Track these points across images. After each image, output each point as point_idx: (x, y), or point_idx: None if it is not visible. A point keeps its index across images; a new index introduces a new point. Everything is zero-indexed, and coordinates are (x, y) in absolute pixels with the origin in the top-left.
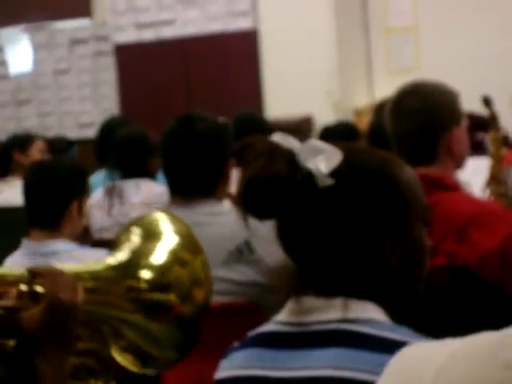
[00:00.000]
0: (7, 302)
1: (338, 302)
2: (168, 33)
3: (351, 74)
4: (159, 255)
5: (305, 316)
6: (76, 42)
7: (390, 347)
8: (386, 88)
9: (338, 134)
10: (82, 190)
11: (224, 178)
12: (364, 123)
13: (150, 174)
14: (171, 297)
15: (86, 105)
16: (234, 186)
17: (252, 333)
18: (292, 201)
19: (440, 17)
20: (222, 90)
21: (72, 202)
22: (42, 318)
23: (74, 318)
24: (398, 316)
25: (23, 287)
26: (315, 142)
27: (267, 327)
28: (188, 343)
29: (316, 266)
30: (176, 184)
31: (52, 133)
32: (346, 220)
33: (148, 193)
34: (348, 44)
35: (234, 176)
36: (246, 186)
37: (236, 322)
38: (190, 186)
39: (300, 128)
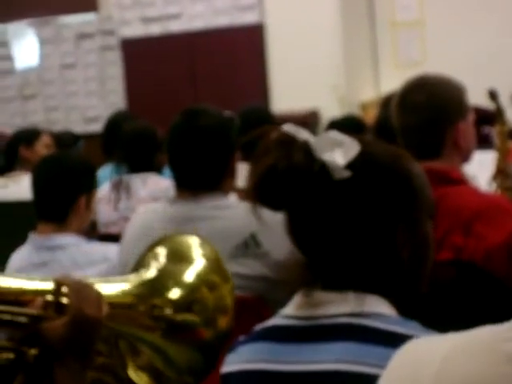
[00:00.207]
0: (32, 311)
1: (350, 296)
2: (174, 27)
3: (357, 68)
4: (187, 277)
5: (314, 310)
6: (82, 36)
7: (400, 342)
8: (392, 82)
9: (344, 127)
10: (91, 185)
11: (230, 172)
12: (370, 117)
13: (156, 169)
14: (195, 318)
15: (93, 99)
16: (240, 180)
17: (259, 327)
18: (307, 192)
19: (446, 11)
20: (228, 83)
21: (80, 196)
22: (65, 331)
23: (97, 334)
24: (404, 310)
25: (49, 297)
26: (333, 134)
27: (275, 321)
28: (205, 369)
29: (327, 260)
30: (181, 178)
31: (58, 127)
32: (360, 213)
33: (154, 187)
34: (354, 38)
35: (240, 169)
36: (262, 177)
37: (242, 315)
38: (196, 180)
39: (306, 122)
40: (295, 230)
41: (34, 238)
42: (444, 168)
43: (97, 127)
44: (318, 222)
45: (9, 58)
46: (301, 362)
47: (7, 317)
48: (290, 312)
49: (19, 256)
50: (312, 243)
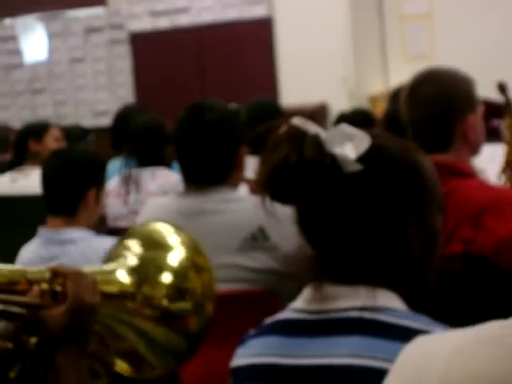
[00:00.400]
0: (30, 300)
1: (361, 289)
2: (183, 20)
3: (366, 61)
4: (172, 263)
5: (324, 304)
6: (91, 30)
7: (411, 336)
8: (400, 75)
9: (353, 121)
10: (100, 179)
11: (237, 165)
12: (379, 110)
13: (165, 163)
14: (187, 306)
15: (102, 93)
16: (249, 172)
17: (269, 320)
18: (318, 186)
19: (455, 4)
20: (236, 77)
21: (90, 190)
22: (65, 318)
23: (94, 319)
24: (413, 304)
25: (45, 286)
26: (344, 128)
27: (284, 314)
28: (188, 353)
29: (337, 254)
30: (189, 172)
31: (67, 121)
32: (371, 206)
33: (164, 181)
34: (363, 31)
35: (250, 163)
36: (273, 171)
37: (251, 309)
38: (203, 174)
39: (315, 115)
40: (305, 223)
41: (43, 232)
42: (453, 161)
43: (106, 121)
44: (328, 216)
45: (18, 52)
46: (311, 355)
47: (4, 306)
48: (300, 306)
49: (29, 250)
50: (322, 237)
